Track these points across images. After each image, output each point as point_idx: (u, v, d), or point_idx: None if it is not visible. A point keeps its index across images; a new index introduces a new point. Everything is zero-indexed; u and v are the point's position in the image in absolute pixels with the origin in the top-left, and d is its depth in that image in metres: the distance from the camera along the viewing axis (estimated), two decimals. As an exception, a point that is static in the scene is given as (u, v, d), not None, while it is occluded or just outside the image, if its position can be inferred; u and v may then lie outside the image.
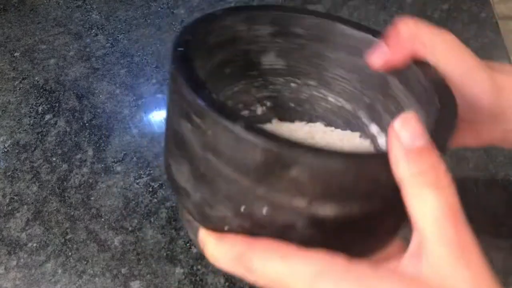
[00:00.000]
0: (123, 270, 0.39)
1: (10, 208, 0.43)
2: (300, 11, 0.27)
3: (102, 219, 0.41)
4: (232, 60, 0.27)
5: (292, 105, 0.31)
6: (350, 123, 0.30)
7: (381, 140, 0.29)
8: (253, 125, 0.17)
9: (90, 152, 0.46)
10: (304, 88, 0.30)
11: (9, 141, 0.47)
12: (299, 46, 0.28)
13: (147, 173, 0.44)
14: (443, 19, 0.56)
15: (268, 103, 0.30)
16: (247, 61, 0.28)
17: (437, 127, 0.19)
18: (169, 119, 0.23)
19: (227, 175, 0.18)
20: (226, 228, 0.19)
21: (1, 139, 0.47)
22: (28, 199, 0.43)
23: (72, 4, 0.59)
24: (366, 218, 0.19)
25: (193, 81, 0.19)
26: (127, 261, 0.39)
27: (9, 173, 0.45)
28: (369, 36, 0.26)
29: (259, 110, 0.30)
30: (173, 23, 0.57)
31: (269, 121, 0.30)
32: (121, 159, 0.45)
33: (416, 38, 0.23)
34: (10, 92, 0.51)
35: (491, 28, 0.55)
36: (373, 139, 0.29)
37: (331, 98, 0.30)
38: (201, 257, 0.39)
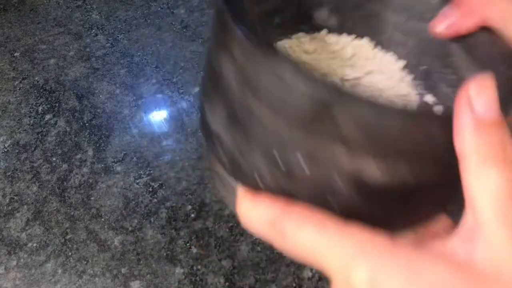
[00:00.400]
0: (123, 270, 0.39)
1: (10, 208, 0.43)
2: None
3: (102, 219, 0.41)
4: (282, 10, 0.26)
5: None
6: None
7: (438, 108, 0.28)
8: (298, 67, 0.15)
9: (90, 152, 0.46)
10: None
11: (9, 141, 0.47)
12: (356, 5, 0.26)
13: (147, 173, 0.44)
14: (443, 19, 0.56)
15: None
16: (298, 13, 0.26)
17: (505, 97, 0.18)
18: (208, 59, 0.21)
19: (263, 116, 0.16)
20: (257, 180, 0.18)
21: (1, 139, 0.47)
22: (28, 199, 0.43)
23: (72, 4, 0.59)
24: (415, 186, 0.17)
25: (239, 14, 0.17)
26: (127, 261, 0.39)
27: (9, 173, 0.45)
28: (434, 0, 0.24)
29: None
30: (173, 23, 0.57)
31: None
32: (121, 159, 0.45)
33: (490, 5, 0.21)
34: (10, 92, 0.51)
35: (491, 28, 0.55)
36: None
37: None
38: (201, 257, 0.39)
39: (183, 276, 0.38)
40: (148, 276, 0.38)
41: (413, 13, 0.25)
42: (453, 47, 0.24)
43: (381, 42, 0.28)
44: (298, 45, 0.28)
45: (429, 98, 0.27)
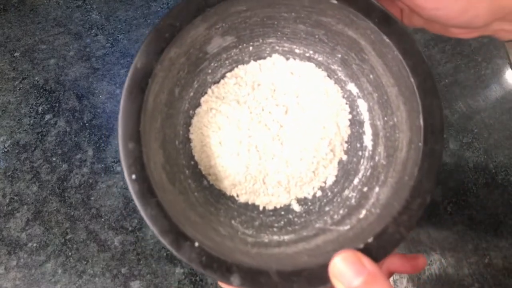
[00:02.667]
0: (123, 270, 0.39)
1: (10, 208, 0.43)
2: None
3: (102, 219, 0.41)
4: (178, 80, 0.26)
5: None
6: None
7: (361, 103, 0.27)
8: None
9: (90, 152, 0.46)
10: (264, 46, 0.28)
11: (9, 141, 0.47)
12: (244, 18, 0.26)
13: (147, 173, 0.44)
14: (443, 19, 0.56)
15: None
16: (192, 63, 0.27)
17: (420, 176, 0.21)
18: None
19: None
20: None
21: (1, 139, 0.47)
22: (28, 199, 0.43)
23: (72, 4, 0.59)
24: None
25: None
26: (127, 261, 0.39)
27: (9, 173, 0.45)
28: None
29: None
30: (173, 23, 0.57)
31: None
32: (121, 159, 0.45)
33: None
34: (10, 92, 0.51)
35: (491, 28, 0.55)
36: (351, 98, 0.28)
37: (297, 50, 0.28)
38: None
39: (183, 276, 0.38)
40: (148, 276, 0.38)
41: (309, 9, 0.25)
42: (364, 46, 0.24)
43: (286, 34, 0.28)
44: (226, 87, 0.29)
45: (353, 88, 0.28)
